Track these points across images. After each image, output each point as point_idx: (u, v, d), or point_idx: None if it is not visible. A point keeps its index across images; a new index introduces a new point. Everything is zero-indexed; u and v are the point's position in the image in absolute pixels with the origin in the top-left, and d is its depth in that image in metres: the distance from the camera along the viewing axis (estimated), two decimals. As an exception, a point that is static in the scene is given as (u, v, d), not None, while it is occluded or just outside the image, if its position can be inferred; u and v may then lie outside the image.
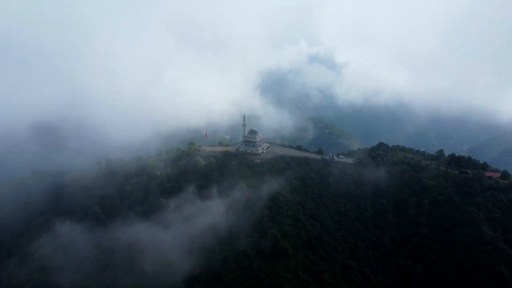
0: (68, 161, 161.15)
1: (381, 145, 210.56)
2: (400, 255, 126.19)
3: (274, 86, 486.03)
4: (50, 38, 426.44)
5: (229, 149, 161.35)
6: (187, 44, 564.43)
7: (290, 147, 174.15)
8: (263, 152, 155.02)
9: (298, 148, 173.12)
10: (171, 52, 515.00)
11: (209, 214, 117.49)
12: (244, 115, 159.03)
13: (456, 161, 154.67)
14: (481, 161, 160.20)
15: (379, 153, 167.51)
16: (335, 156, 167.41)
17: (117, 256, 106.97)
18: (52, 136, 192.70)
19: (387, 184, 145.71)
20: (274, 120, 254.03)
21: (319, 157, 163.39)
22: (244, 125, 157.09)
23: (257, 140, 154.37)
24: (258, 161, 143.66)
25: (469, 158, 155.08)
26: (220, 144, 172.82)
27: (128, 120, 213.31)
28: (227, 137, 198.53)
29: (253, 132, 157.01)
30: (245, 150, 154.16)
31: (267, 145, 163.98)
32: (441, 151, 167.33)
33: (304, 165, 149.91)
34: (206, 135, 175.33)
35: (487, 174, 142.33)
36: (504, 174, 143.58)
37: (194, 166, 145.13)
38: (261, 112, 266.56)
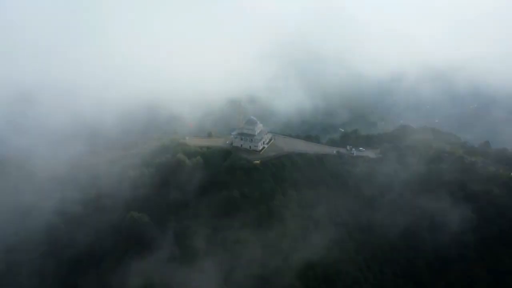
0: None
1: (404, 127, 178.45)
2: (438, 285, 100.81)
3: (279, 56, 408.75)
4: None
5: (221, 142, 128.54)
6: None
7: (298, 137, 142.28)
8: (263, 148, 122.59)
9: (307, 139, 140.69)
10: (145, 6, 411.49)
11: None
12: (240, 102, 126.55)
13: (507, 158, 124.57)
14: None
15: (407, 144, 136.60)
16: (353, 149, 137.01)
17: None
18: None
19: (421, 190, 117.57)
20: (279, 101, 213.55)
21: (334, 151, 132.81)
22: (239, 114, 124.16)
23: (256, 133, 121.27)
24: (258, 161, 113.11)
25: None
26: (210, 135, 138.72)
27: (94, 101, 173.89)
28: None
29: (251, 123, 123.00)
30: (241, 145, 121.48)
31: (269, 136, 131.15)
32: (487, 143, 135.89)
33: (315, 165, 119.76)
34: (191, 126, 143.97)
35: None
36: None
37: (175, 168, 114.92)
38: (262, 92, 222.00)
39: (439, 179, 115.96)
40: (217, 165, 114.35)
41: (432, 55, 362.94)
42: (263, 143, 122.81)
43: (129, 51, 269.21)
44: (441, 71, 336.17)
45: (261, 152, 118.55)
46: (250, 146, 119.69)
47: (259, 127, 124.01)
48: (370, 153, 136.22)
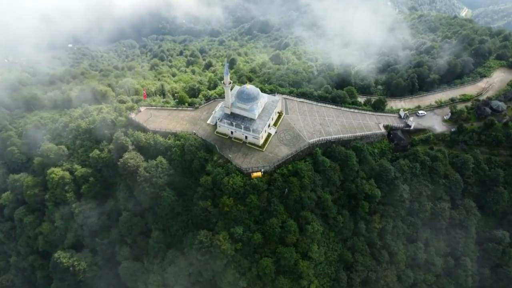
0: None
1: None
2: None
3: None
4: None
5: (198, 125, 74.78)
6: None
7: (322, 98, 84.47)
8: (269, 138, 70.86)
9: (336, 99, 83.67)
10: None
11: None
12: (226, 58, 68.67)
13: None
14: None
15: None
16: (410, 117, 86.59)
17: None
18: None
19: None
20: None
21: (380, 125, 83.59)
22: (225, 84, 66.34)
23: (256, 114, 68.36)
24: (260, 173, 67.34)
25: None
26: (179, 103, 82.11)
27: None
28: None
29: (248, 99, 67.75)
30: (231, 134, 70.84)
31: (278, 108, 75.55)
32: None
33: (351, 167, 69.18)
34: (144, 96, 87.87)
35: None
36: None
37: (120, 183, 70.06)
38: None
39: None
40: (189, 187, 67.48)
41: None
42: (268, 128, 73.50)
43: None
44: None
45: (265, 149, 69.99)
46: (246, 137, 70.87)
47: (262, 102, 71.12)
48: (434, 120, 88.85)
